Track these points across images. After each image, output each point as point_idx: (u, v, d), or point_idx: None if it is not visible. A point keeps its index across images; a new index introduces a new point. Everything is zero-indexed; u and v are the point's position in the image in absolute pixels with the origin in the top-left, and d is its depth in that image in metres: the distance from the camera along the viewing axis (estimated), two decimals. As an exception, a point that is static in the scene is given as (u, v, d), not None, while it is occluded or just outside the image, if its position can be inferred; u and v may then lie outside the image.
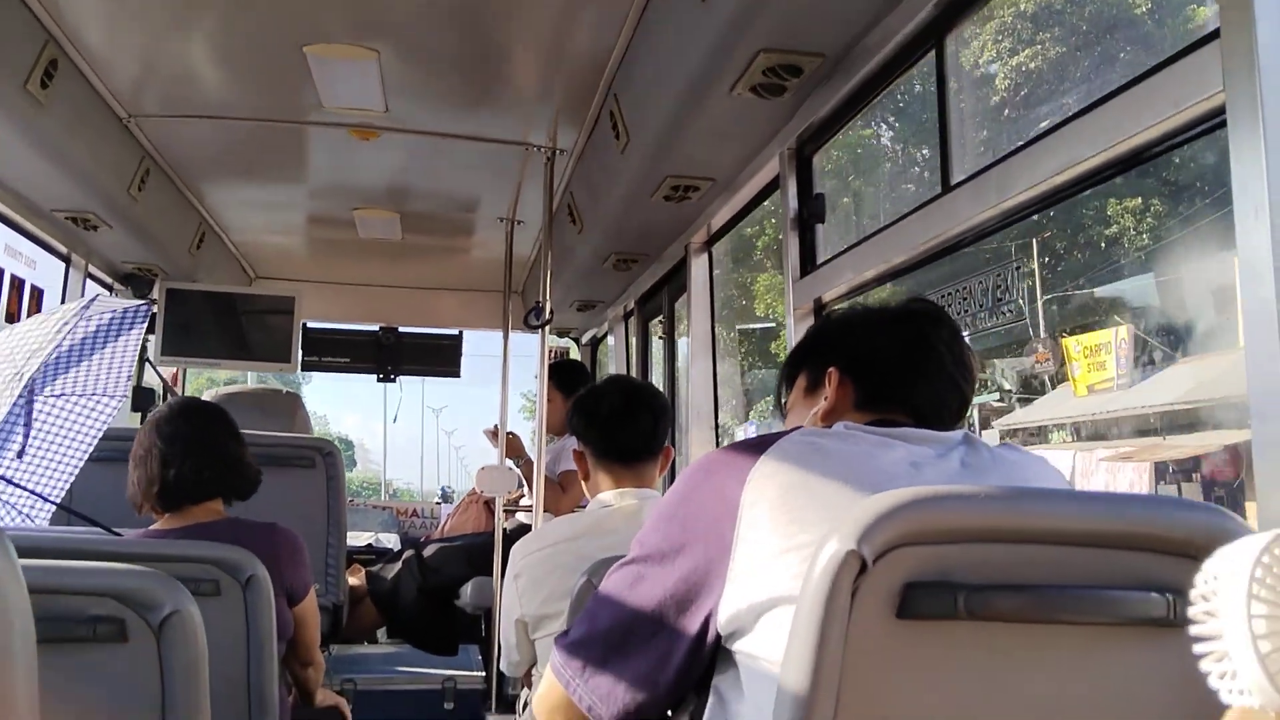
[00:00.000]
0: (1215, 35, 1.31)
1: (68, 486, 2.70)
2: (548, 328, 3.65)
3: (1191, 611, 0.66)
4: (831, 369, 1.47)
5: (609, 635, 1.37)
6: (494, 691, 3.62)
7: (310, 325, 5.56)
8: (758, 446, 1.27)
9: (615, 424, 2.35)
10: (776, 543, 1.18)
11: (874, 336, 1.48)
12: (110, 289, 4.61)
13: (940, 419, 1.39)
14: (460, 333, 5.85)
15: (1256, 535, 0.66)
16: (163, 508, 2.30)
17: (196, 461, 2.29)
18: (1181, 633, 1.05)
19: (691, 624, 1.27)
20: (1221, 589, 0.65)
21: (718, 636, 1.26)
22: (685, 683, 1.32)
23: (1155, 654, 1.07)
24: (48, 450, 2.70)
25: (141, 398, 4.53)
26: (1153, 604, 1.03)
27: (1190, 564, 1.03)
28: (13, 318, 3.59)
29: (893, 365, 1.44)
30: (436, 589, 4.15)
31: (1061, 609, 1.03)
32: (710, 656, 1.29)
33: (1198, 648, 0.64)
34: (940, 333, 1.46)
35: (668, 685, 1.31)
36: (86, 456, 2.73)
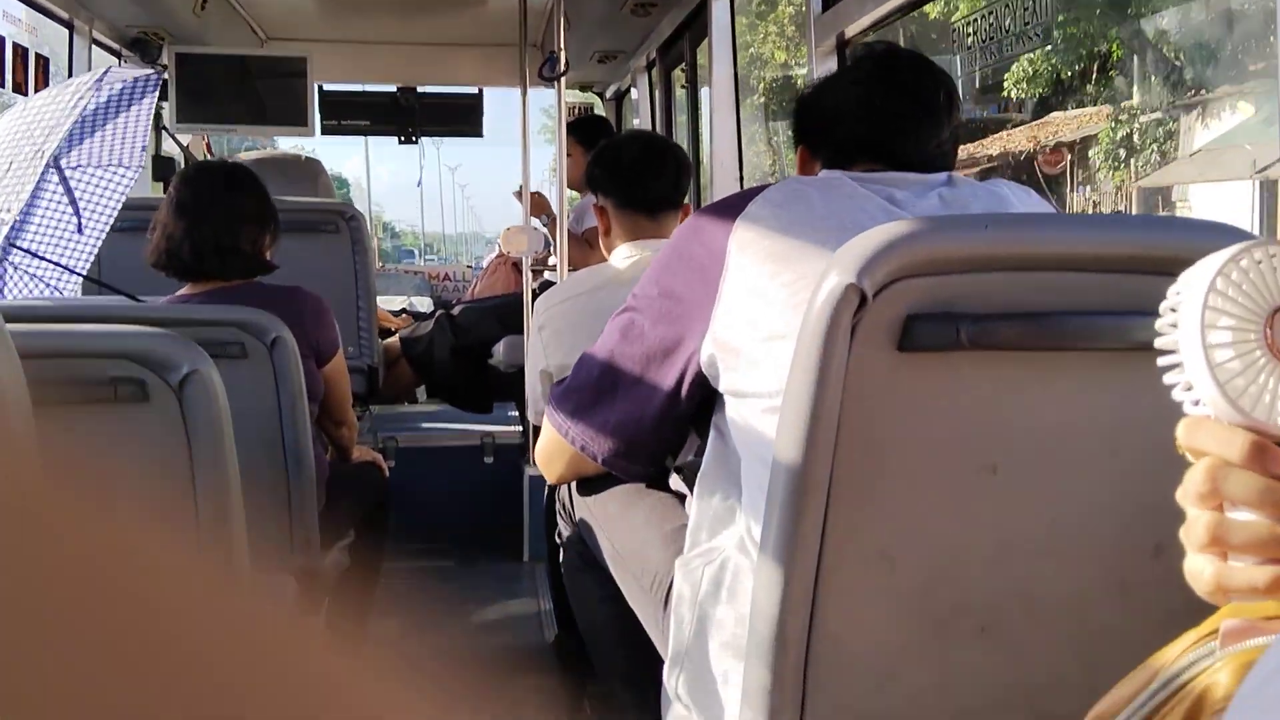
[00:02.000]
0: None
1: (93, 257, 2.72)
2: (564, 81, 3.53)
3: (1158, 324, 0.65)
4: (800, 146, 1.47)
5: (600, 378, 1.41)
6: (530, 444, 3.73)
7: (327, 88, 5.44)
8: (745, 196, 1.29)
9: (635, 174, 2.33)
10: (761, 283, 1.20)
11: (831, 98, 1.45)
12: (118, 55, 4.50)
13: (921, 163, 1.34)
14: (480, 91, 5.70)
15: (1228, 249, 0.64)
16: (176, 277, 2.30)
17: (206, 232, 2.24)
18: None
19: (674, 367, 1.32)
20: (1183, 300, 0.64)
21: (701, 377, 1.28)
22: (673, 421, 1.37)
23: (1160, 378, 1.05)
24: (70, 223, 2.70)
25: (161, 167, 4.50)
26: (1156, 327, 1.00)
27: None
28: (20, 88, 3.52)
29: (853, 120, 1.39)
30: (470, 349, 4.22)
31: (1064, 336, 1.01)
32: (695, 398, 1.32)
33: (1161, 360, 0.63)
34: (898, 75, 1.40)
35: (656, 422, 1.37)
36: (108, 227, 2.74)
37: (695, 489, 1.33)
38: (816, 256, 1.05)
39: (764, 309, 1.17)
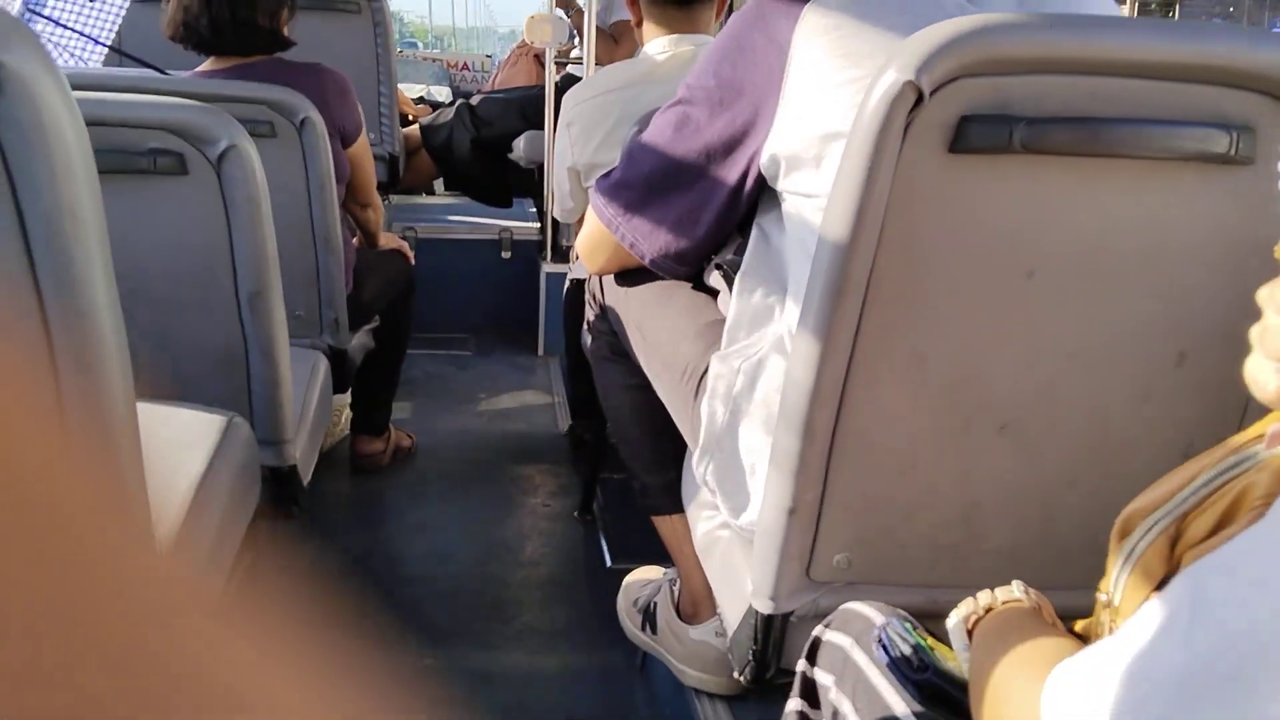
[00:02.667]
0: None
1: (116, 27, 2.67)
2: None
3: None
4: None
5: (650, 177, 1.38)
6: (549, 242, 3.74)
7: None
8: None
9: None
10: (828, 78, 1.16)
11: None
12: None
13: None
14: None
15: None
16: (195, 50, 2.26)
17: (222, 4, 2.19)
18: (1241, 170, 1.04)
19: (736, 164, 1.28)
20: None
21: (760, 178, 1.27)
22: (726, 224, 1.35)
23: (1207, 192, 1.06)
24: None
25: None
26: (1214, 139, 1.01)
27: (1266, 100, 1.00)
28: None
29: None
30: (490, 141, 4.17)
31: (1118, 142, 1.01)
32: (753, 198, 1.31)
33: None
34: None
35: (708, 225, 1.35)
36: None
37: (735, 286, 1.33)
38: (892, 50, 1.03)
39: (831, 107, 1.14)
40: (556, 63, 3.87)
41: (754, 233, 1.33)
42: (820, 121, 1.16)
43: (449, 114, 4.21)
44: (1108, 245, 1.07)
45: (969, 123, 1.00)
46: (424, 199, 4.98)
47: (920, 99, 0.98)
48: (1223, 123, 1.01)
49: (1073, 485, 1.17)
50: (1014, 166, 1.02)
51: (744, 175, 1.28)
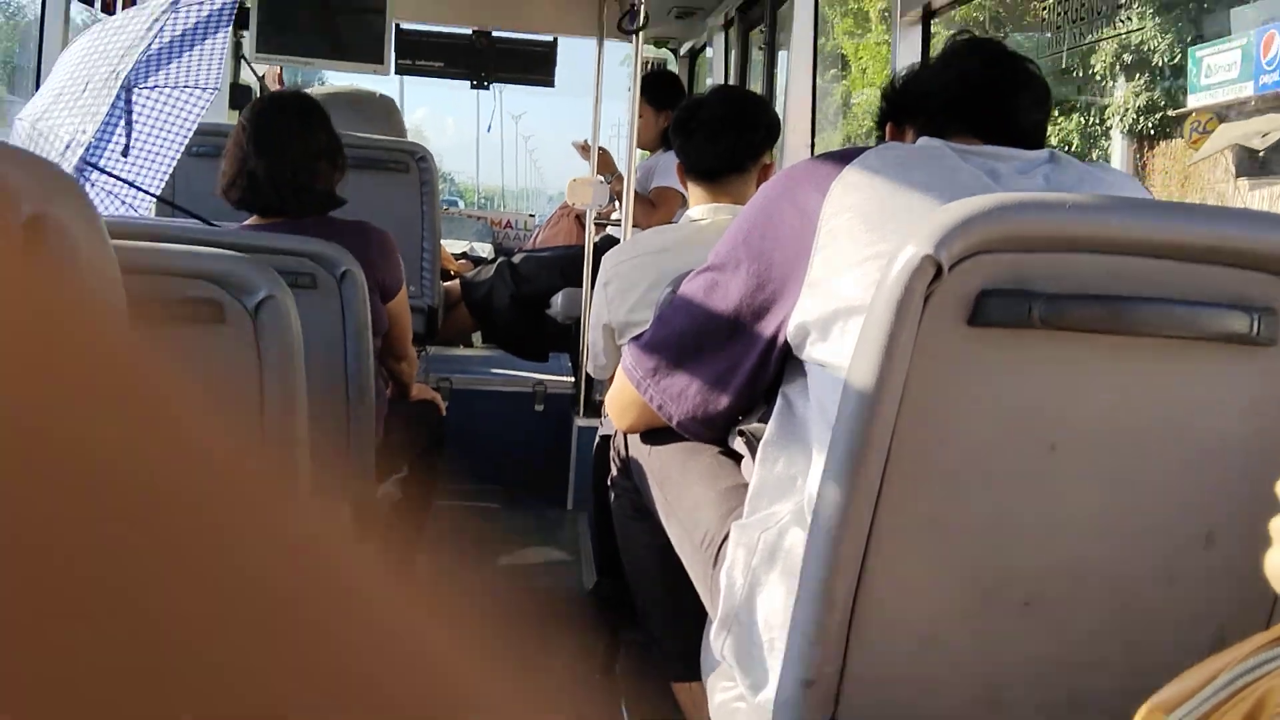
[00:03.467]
0: None
1: (166, 178, 2.77)
2: (642, 35, 3.52)
3: None
4: (888, 125, 1.48)
5: (682, 339, 1.40)
6: (582, 396, 3.76)
7: (404, 27, 5.46)
8: (842, 158, 1.26)
9: (705, 139, 2.31)
10: (855, 251, 1.18)
11: (924, 74, 1.47)
12: (203, -18, 4.55)
13: (1017, 137, 1.34)
14: (554, 39, 5.69)
15: None
16: (253, 211, 2.34)
17: (285, 170, 2.26)
18: (1265, 351, 1.04)
19: (764, 330, 1.30)
20: None
21: (786, 346, 1.28)
22: (753, 390, 1.36)
23: (1230, 373, 1.05)
24: (144, 143, 2.75)
25: (238, 95, 4.55)
26: (1236, 319, 1.01)
27: (1275, 280, 1.01)
28: (108, 8, 3.59)
29: (948, 92, 1.41)
30: (529, 297, 4.26)
31: (1139, 321, 1.01)
32: (780, 366, 1.32)
33: None
34: (992, 50, 1.43)
35: (735, 390, 1.36)
36: (182, 149, 2.78)
37: (758, 455, 1.33)
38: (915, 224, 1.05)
39: (856, 280, 1.16)
40: (596, 224, 3.97)
41: (779, 401, 1.33)
42: (845, 294, 1.18)
43: (490, 270, 4.32)
44: (1131, 422, 1.06)
45: (988, 297, 1.01)
46: (461, 350, 5.06)
47: (939, 273, 0.99)
48: (1244, 304, 1.01)
49: (1100, 666, 1.13)
50: (1035, 341, 1.03)
51: (771, 342, 1.30)
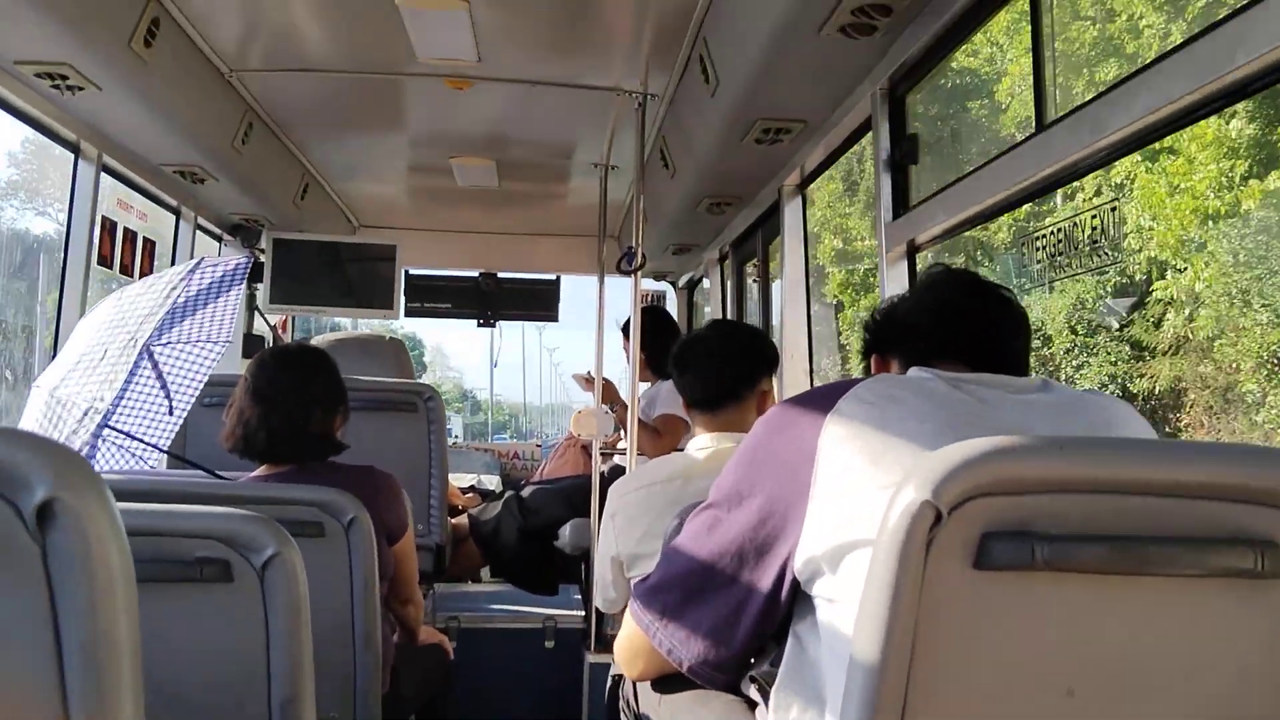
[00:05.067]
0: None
1: (176, 430, 2.81)
2: (640, 272, 3.65)
3: None
4: (873, 355, 1.52)
5: (686, 580, 1.39)
6: (593, 631, 3.69)
7: (412, 272, 5.67)
8: (835, 391, 1.28)
9: (700, 372, 2.36)
10: (854, 485, 1.19)
11: (908, 304, 1.52)
12: (219, 240, 4.76)
13: (1002, 365, 1.37)
14: (558, 278, 5.90)
15: None
16: (254, 460, 2.36)
17: (280, 418, 2.30)
18: (1270, 585, 1.03)
19: (769, 568, 1.29)
20: None
21: (795, 582, 1.27)
22: (764, 629, 1.34)
23: (1242, 607, 1.04)
24: (156, 398, 2.81)
25: (251, 345, 4.69)
26: (1240, 555, 1.00)
27: (1277, 514, 1.01)
28: (127, 270, 3.74)
29: (934, 321, 1.45)
30: (536, 530, 4.25)
31: (1144, 561, 1.01)
32: (788, 603, 1.31)
33: None
34: (973, 280, 1.49)
35: (746, 630, 1.33)
36: (193, 400, 2.84)
37: (771, 700, 1.30)
38: (914, 459, 1.06)
39: (862, 512, 1.16)
40: (602, 453, 4.00)
41: (790, 641, 1.31)
42: (847, 528, 1.18)
43: (497, 505, 4.32)
44: (1146, 662, 1.05)
45: (991, 540, 1.01)
46: (469, 586, 5.00)
47: (940, 517, 1.00)
48: (1246, 538, 1.01)
49: None
50: (1041, 583, 1.02)
51: (779, 579, 1.28)
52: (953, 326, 1.43)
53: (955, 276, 1.53)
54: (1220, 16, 1.51)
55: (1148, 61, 1.67)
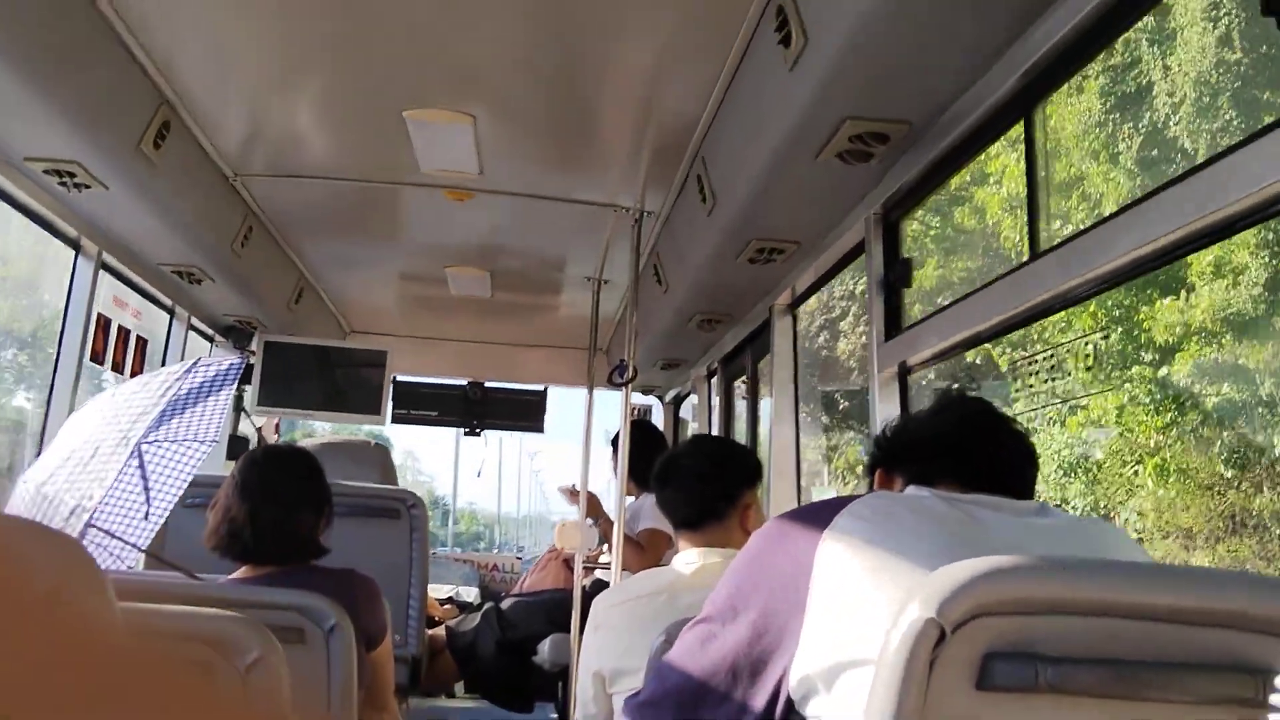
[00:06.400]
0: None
1: (157, 530, 2.77)
2: (630, 386, 3.67)
3: (1275, 699, 0.66)
4: (878, 470, 1.54)
5: (679, 697, 1.37)
6: (569, 752, 3.60)
7: (400, 379, 5.69)
8: (832, 508, 1.28)
9: (679, 490, 2.35)
10: (853, 601, 1.18)
11: (914, 424, 1.55)
12: (211, 340, 4.77)
13: (1005, 490, 1.38)
14: (545, 389, 5.92)
15: None
16: (236, 559, 2.34)
17: (266, 519, 2.29)
18: (1271, 715, 1.02)
19: (764, 686, 1.27)
20: None
21: (789, 701, 1.25)
22: None
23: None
24: (139, 496, 2.78)
25: (236, 446, 4.66)
26: (1241, 683, 1.00)
27: (1277, 642, 1.01)
28: (118, 367, 3.73)
29: (936, 440, 1.48)
30: (515, 644, 4.17)
31: (1146, 686, 1.01)
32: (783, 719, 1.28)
33: None
34: (973, 412, 1.52)
35: None
36: (175, 500, 2.81)
37: None
38: (911, 577, 1.06)
39: (858, 630, 1.15)
40: (585, 567, 3.95)
41: None
42: (844, 647, 1.17)
43: (476, 617, 4.25)
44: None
45: (994, 660, 1.00)
46: (444, 701, 4.88)
47: (943, 636, 0.99)
48: (1248, 667, 1.01)
49: None
50: (1043, 705, 1.01)
51: (774, 698, 1.26)
52: (957, 448, 1.44)
53: (965, 401, 1.56)
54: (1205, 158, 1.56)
55: (1137, 198, 1.72)
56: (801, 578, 1.24)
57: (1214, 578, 1.09)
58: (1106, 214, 1.83)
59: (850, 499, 1.30)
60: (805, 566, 1.24)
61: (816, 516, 1.28)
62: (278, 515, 2.31)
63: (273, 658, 1.56)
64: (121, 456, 2.37)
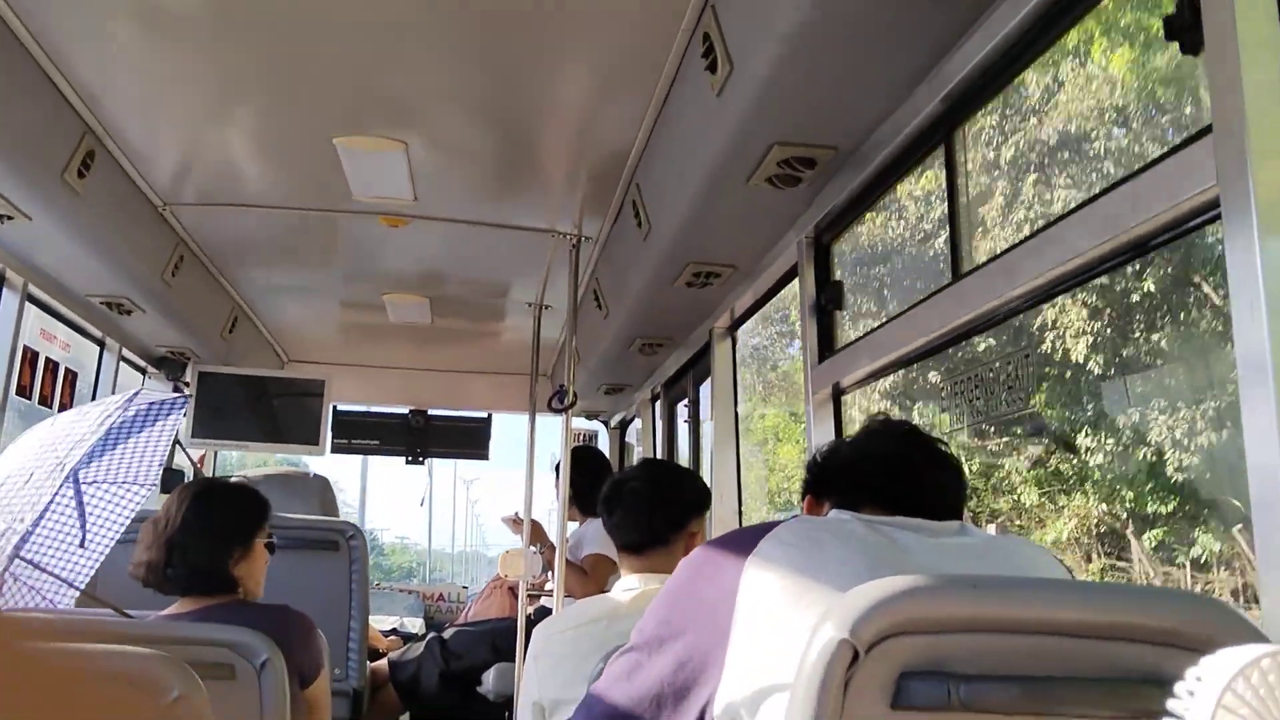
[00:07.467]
0: (1209, 130, 1.33)
1: (93, 572, 2.72)
2: (572, 411, 3.67)
3: (1170, 704, 0.67)
4: (808, 496, 1.55)
5: None
6: (515, 782, 3.56)
7: (340, 408, 5.63)
8: (755, 535, 1.29)
9: (625, 516, 2.35)
10: (775, 626, 1.18)
11: (843, 449, 1.56)
12: (144, 372, 4.69)
13: (926, 508, 1.40)
14: (489, 415, 5.89)
15: (1248, 648, 0.67)
16: (162, 593, 2.31)
17: (190, 552, 2.27)
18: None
19: (689, 711, 1.27)
20: (1200, 690, 0.66)
21: None
22: None
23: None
24: (73, 537, 2.73)
25: (171, 479, 4.57)
26: (1149, 696, 1.01)
27: (1186, 655, 1.02)
28: (46, 400, 3.66)
29: (862, 465, 1.49)
30: (459, 674, 4.12)
31: (1059, 701, 1.01)
32: None
33: None
34: (898, 434, 1.53)
35: None
36: (113, 543, 2.76)
37: None
38: (831, 600, 1.06)
39: (781, 655, 1.14)
40: (530, 595, 3.93)
41: None
42: (766, 672, 1.17)
43: (419, 648, 4.20)
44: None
45: (908, 679, 1.01)
46: (388, 735, 4.81)
47: (856, 656, 1.00)
48: (1158, 679, 1.02)
49: None
50: (958, 724, 1.02)
51: (701, 718, 1.27)
52: (884, 473, 1.46)
53: (892, 426, 1.57)
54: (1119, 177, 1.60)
55: (1056, 216, 1.75)
56: (725, 605, 1.24)
57: (1122, 592, 1.11)
58: (1027, 233, 1.86)
59: (774, 524, 1.31)
60: (729, 593, 1.24)
61: (740, 544, 1.28)
62: (199, 549, 2.29)
63: (195, 695, 1.53)
64: (55, 482, 2.33)
